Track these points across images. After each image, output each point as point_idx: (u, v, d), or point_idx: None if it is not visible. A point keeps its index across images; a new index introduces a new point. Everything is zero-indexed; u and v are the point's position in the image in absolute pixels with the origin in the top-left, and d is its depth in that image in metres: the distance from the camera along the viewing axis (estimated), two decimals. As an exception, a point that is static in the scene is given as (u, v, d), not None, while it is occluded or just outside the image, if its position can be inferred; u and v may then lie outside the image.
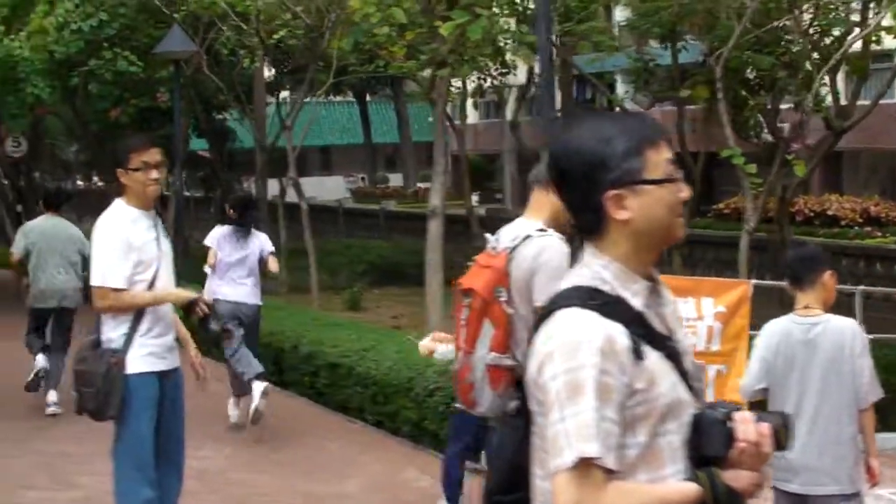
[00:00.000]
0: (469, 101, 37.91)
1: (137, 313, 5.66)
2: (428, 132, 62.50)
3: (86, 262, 9.11)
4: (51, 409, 10.75)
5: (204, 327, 6.10)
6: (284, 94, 51.52)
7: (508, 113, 42.45)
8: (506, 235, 5.02)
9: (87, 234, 7.02)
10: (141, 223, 5.69)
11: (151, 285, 5.70)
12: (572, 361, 2.25)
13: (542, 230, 4.90)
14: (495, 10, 10.85)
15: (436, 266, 12.26)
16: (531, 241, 4.85)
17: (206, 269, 10.02)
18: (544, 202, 5.01)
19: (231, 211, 10.26)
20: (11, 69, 19.51)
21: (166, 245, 5.88)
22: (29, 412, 11.09)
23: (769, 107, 18.06)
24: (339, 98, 45.55)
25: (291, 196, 34.92)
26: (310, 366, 11.32)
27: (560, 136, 2.49)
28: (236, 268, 9.89)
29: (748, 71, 17.57)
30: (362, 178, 53.30)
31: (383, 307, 21.24)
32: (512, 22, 14.74)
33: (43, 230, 11.32)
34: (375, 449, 9.44)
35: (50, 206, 11.57)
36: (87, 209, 52.94)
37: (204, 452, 8.93)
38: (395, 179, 57.45)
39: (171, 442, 5.83)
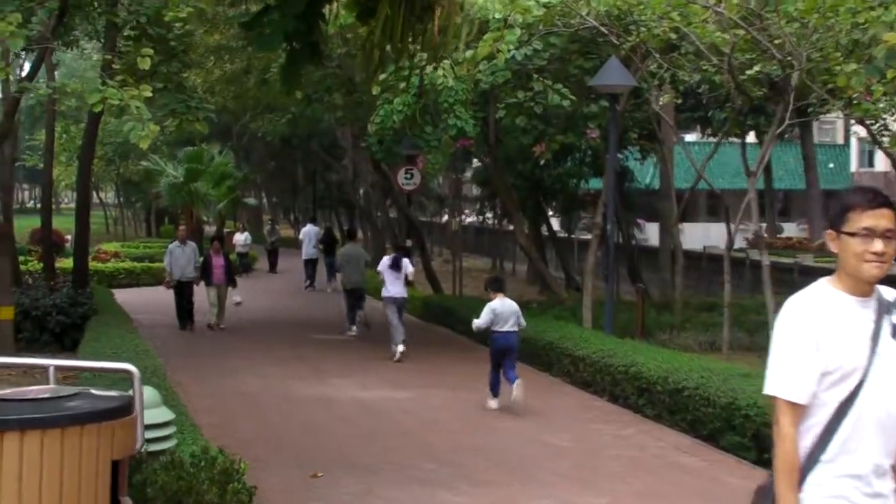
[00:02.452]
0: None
1: (826, 430, 4.33)
2: (833, 179, 60.47)
3: (367, 265, 23.49)
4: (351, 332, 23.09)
5: None
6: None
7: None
8: None
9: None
10: (849, 314, 4.37)
11: (847, 407, 4.32)
12: None
13: None
14: None
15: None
16: None
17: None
18: None
19: (388, 248, 21.40)
20: (433, 100, 19.83)
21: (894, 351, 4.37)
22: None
23: None
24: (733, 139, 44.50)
25: (689, 242, 34.21)
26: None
27: None
28: (395, 278, 19.87)
29: None
30: (759, 227, 51.84)
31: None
32: None
33: (347, 251, 23.26)
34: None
35: (349, 237, 24.48)
36: (479, 247, 53.67)
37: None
38: (787, 229, 55.79)
39: None
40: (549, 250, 35.02)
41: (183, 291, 24.20)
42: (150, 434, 7.01)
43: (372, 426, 13.64)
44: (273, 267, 42.64)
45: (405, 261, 20.20)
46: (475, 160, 42.20)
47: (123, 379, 11.71)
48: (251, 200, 53.70)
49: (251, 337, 23.15)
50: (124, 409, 6.15)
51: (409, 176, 28.95)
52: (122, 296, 27.88)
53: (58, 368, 6.70)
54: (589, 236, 39.33)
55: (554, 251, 35.70)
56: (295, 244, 43.15)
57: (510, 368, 14.76)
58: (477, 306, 24.30)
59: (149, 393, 7.18)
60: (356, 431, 13.31)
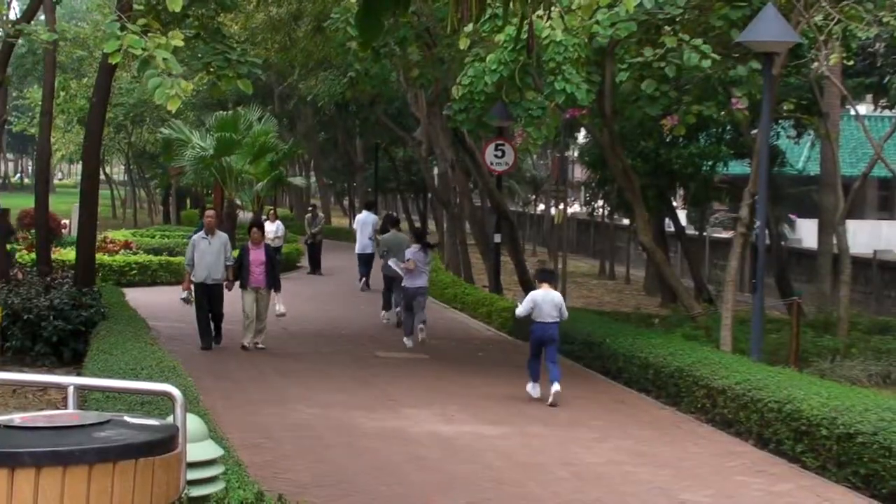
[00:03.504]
0: None
1: None
2: None
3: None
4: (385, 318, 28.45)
5: None
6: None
7: None
8: None
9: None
10: None
11: None
12: None
13: None
14: None
15: None
16: None
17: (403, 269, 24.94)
18: None
19: (414, 238, 26.46)
20: (538, 57, 19.67)
21: None
22: None
23: None
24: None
25: (858, 246, 33.81)
26: None
27: None
28: (421, 268, 24.52)
29: None
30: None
31: None
32: None
33: (390, 238, 28.30)
34: None
35: (392, 226, 29.46)
36: (596, 250, 53.42)
37: None
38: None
39: None
40: (672, 251, 34.81)
41: (209, 298, 23.22)
42: (192, 474, 6.98)
43: (457, 471, 13.62)
44: (317, 266, 41.53)
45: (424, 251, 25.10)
46: (579, 135, 42.11)
47: (143, 402, 11.81)
48: (298, 180, 52.60)
49: (299, 354, 23.16)
50: (167, 442, 6.11)
51: (499, 153, 28.86)
52: (135, 296, 28.08)
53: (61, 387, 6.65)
54: (725, 234, 39.24)
55: (680, 252, 35.44)
56: (347, 236, 42.88)
57: (553, 362, 18.46)
58: (585, 319, 24.29)
59: (193, 423, 7.13)
60: (438, 477, 13.30)
